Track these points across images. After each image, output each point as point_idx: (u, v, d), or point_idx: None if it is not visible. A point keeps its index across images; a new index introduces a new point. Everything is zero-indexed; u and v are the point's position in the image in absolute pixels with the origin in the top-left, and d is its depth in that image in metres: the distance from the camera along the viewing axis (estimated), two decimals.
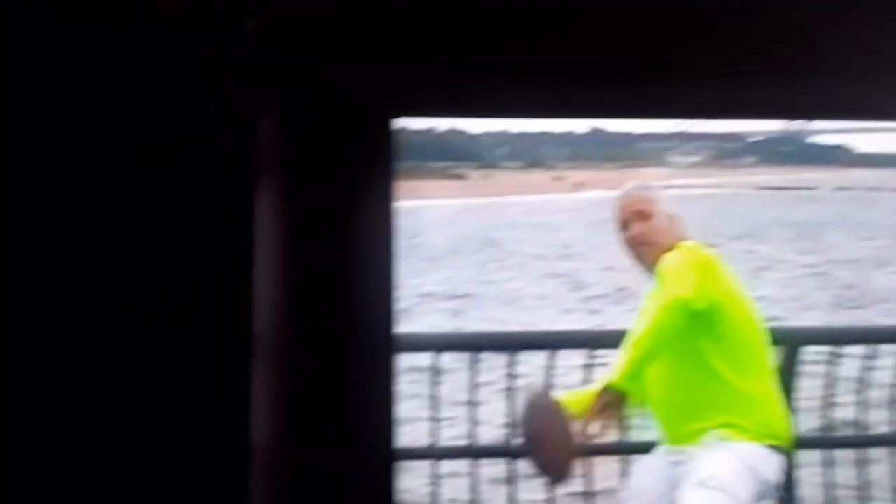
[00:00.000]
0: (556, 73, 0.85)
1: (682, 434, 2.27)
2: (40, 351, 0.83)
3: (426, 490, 2.66)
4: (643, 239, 2.27)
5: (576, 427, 2.13)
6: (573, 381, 2.70)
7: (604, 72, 0.85)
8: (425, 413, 2.72)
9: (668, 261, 2.22)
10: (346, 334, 0.85)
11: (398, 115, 0.83)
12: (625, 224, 2.30)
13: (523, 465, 2.66)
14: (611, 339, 2.49)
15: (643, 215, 2.29)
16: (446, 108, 0.87)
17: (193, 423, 0.79)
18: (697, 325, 2.18)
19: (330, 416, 0.87)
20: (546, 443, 2.14)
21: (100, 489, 0.80)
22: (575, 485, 2.57)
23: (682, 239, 2.28)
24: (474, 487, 2.66)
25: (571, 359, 2.74)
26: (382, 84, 0.83)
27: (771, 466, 2.23)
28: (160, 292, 0.81)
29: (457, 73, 0.84)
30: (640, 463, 2.46)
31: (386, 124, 0.81)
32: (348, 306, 0.86)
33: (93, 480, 0.82)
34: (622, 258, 2.39)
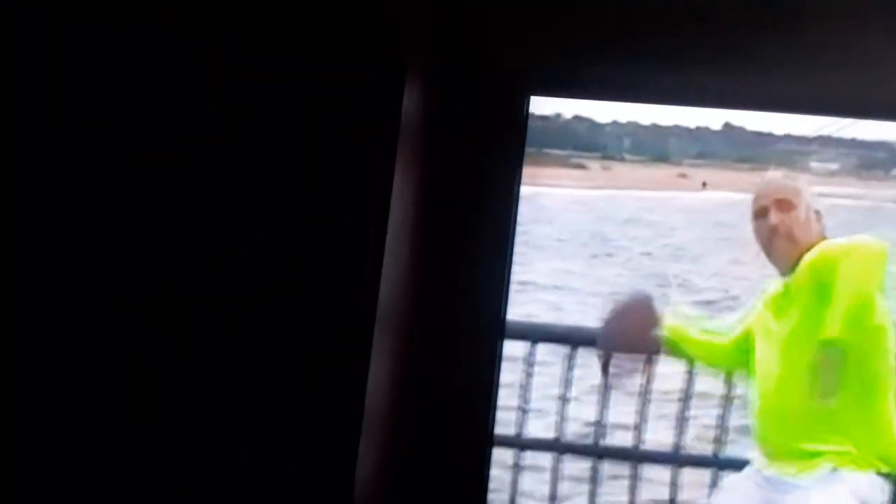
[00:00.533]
0: (694, 60, 0.88)
1: (791, 452, 2.15)
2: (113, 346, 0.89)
3: (505, 479, 2.74)
4: (782, 230, 2.18)
5: (656, 338, 2.19)
6: (672, 387, 2.72)
7: (746, 61, 0.87)
8: (513, 402, 2.79)
9: (827, 246, 2.12)
10: (460, 311, 0.91)
11: (535, 92, 0.88)
12: (763, 211, 2.20)
13: (609, 467, 2.70)
14: None
15: (785, 205, 2.19)
16: (582, 89, 0.91)
17: (313, 381, 0.86)
18: (862, 318, 2.06)
19: (437, 390, 0.94)
20: (627, 322, 2.22)
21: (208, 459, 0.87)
22: (661, 492, 2.60)
23: (824, 239, 2.18)
24: (555, 482, 2.72)
25: (672, 364, 2.76)
26: (521, 61, 0.88)
27: (881, 495, 2.13)
28: (293, 254, 0.88)
29: (596, 55, 0.89)
30: (729, 480, 2.38)
31: (523, 101, 0.86)
32: (465, 288, 0.92)
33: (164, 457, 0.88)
34: (738, 266, 2.37)
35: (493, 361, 0.99)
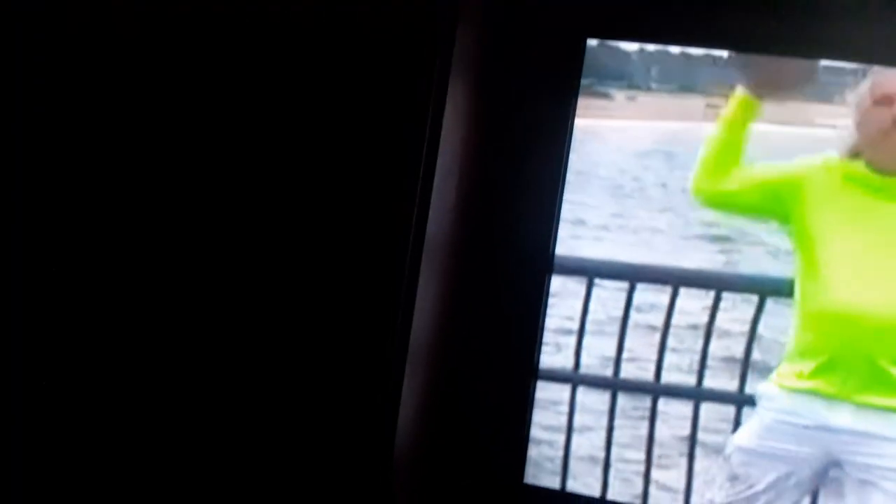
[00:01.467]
0: (754, 6, 0.94)
1: (886, 385, 1.85)
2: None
3: None
4: None
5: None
6: (696, 322, 2.83)
7: (806, 4, 0.93)
8: None
9: None
10: (509, 245, 0.99)
11: (593, 35, 0.94)
12: (888, 99, 2.10)
13: (627, 401, 2.84)
14: (739, 283, 2.60)
15: None
16: (641, 32, 0.96)
17: (355, 313, 0.94)
18: None
19: (483, 324, 1.01)
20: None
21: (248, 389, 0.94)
22: (679, 428, 2.73)
23: None
24: (570, 414, 2.87)
25: (693, 299, 2.87)
26: (578, 5, 0.94)
27: None
28: (344, 182, 0.96)
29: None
30: (755, 432, 2.10)
31: (580, 44, 0.93)
32: (514, 221, 1.00)
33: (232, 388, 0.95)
34: None
35: (540, 296, 1.09)
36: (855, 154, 2.19)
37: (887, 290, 1.96)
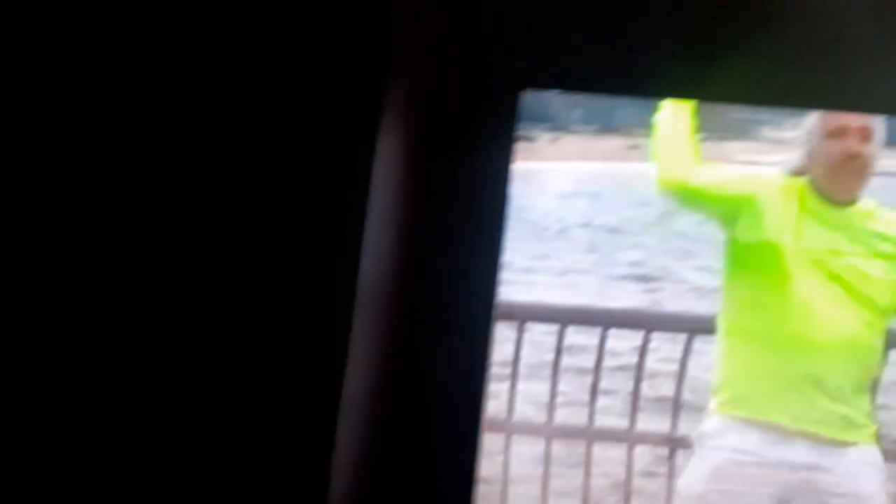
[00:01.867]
0: (683, 53, 0.96)
1: (833, 413, 1.85)
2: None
3: None
4: (862, 160, 2.10)
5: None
6: (626, 363, 2.86)
7: (733, 53, 0.96)
8: None
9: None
10: (448, 297, 0.98)
11: (527, 87, 0.96)
12: (841, 132, 2.11)
13: (561, 447, 2.85)
14: (668, 323, 2.64)
15: (866, 135, 2.11)
16: (575, 83, 0.98)
17: (288, 367, 0.92)
18: None
19: (421, 376, 1.00)
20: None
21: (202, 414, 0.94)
22: (614, 475, 2.73)
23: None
24: (505, 463, 2.86)
25: (622, 339, 2.90)
26: (513, 57, 0.95)
27: None
28: (268, 234, 0.95)
29: (588, 50, 0.97)
30: (706, 470, 1.89)
31: (514, 97, 0.94)
32: (452, 272, 0.99)
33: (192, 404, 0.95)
34: (676, 240, 2.39)
35: (483, 347, 1.07)
36: (800, 173, 2.18)
37: (839, 323, 1.95)
